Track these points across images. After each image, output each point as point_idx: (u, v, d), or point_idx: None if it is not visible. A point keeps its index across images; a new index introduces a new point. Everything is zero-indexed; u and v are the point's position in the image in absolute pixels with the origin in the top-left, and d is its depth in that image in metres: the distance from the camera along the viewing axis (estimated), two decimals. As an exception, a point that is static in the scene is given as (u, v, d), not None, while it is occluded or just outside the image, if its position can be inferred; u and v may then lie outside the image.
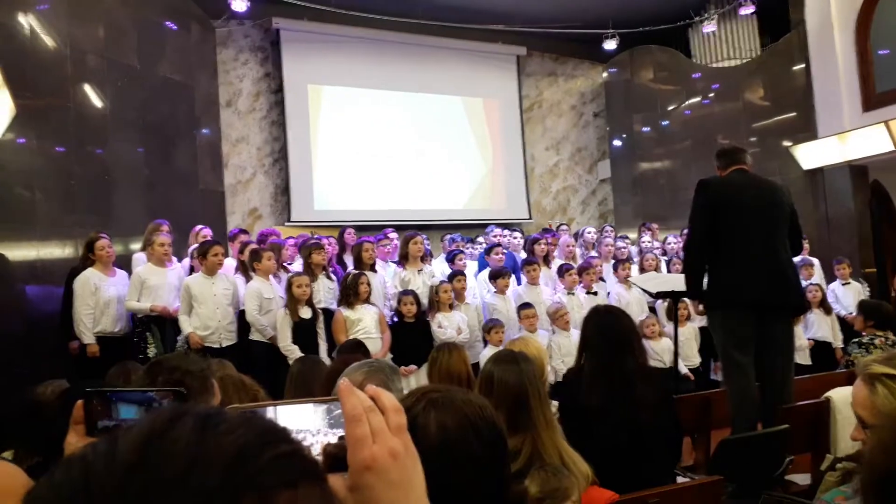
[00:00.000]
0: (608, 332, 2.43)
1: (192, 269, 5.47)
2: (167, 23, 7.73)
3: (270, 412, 0.71)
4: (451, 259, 6.41)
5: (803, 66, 9.29)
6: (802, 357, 6.19)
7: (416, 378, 5.18)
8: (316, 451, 0.69)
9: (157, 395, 1.00)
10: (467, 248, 7.03)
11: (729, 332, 3.51)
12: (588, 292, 6.04)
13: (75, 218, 6.25)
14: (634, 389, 2.27)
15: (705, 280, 3.66)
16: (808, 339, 6.33)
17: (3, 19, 5.71)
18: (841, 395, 3.34)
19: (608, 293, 6.29)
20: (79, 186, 6.39)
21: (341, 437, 0.67)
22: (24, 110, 5.55)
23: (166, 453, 0.44)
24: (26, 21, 5.97)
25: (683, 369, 5.39)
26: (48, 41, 6.23)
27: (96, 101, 6.74)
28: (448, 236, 7.50)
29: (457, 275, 5.79)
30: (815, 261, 7.09)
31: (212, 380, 1.69)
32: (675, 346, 4.71)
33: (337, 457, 0.66)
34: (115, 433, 0.46)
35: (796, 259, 6.94)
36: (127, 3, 7.16)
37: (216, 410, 0.48)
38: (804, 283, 6.58)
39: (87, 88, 6.65)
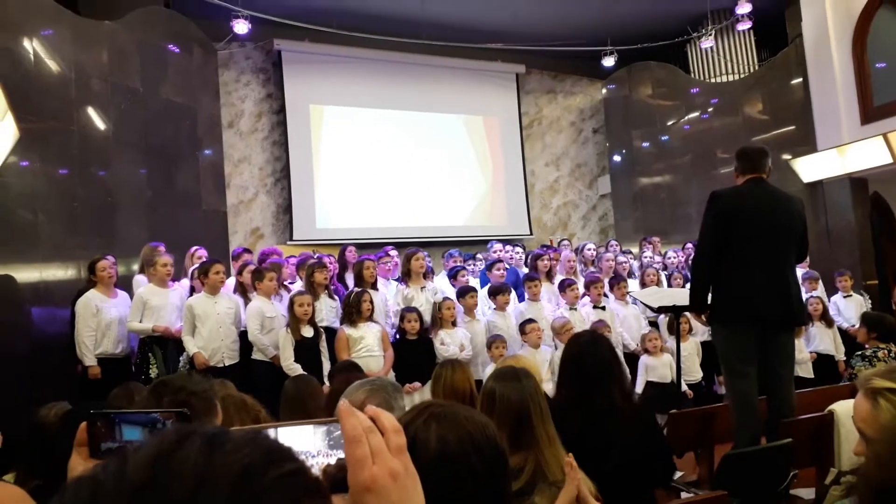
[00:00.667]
0: (585, 361, 2.37)
1: (192, 290, 5.48)
2: (170, 46, 7.82)
3: (271, 433, 0.72)
4: (452, 276, 6.42)
5: (801, 79, 9.35)
6: (805, 370, 6.16)
7: (420, 395, 5.16)
8: (315, 472, 0.70)
9: (160, 416, 1.01)
10: (468, 265, 7.04)
11: (733, 345, 3.50)
12: (595, 307, 6.04)
13: (78, 240, 6.28)
14: (610, 420, 2.23)
15: (711, 292, 3.66)
16: (811, 353, 6.31)
17: (8, 44, 5.79)
18: (845, 409, 3.33)
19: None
20: (82, 208, 6.43)
21: (341, 459, 0.68)
22: (27, 134, 5.60)
23: (175, 473, 0.45)
24: (31, 46, 6.04)
25: (683, 386, 5.36)
26: (52, 66, 6.30)
27: (99, 124, 6.80)
28: (447, 253, 7.52)
29: (469, 291, 5.78)
30: (816, 274, 7.08)
31: (215, 400, 1.70)
32: (678, 362, 4.70)
33: (337, 478, 0.66)
34: (123, 453, 0.47)
35: (801, 272, 6.99)
36: (130, 28, 7.25)
37: (222, 430, 0.50)
38: (806, 296, 6.59)
39: (91, 111, 6.72)
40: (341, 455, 0.67)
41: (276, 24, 8.62)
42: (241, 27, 7.98)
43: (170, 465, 0.46)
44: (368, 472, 0.65)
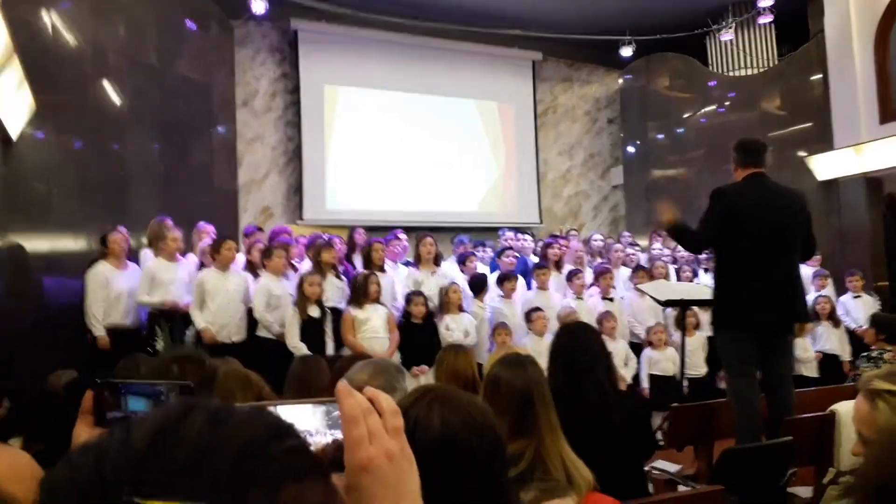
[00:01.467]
0: (571, 352, 2.37)
1: (201, 265, 5.52)
2: (187, 22, 7.81)
3: (270, 410, 0.74)
4: (461, 261, 6.43)
5: (821, 76, 9.24)
6: (809, 369, 6.16)
7: (426, 379, 5.20)
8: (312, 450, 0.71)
9: (164, 388, 1.03)
10: (478, 251, 7.05)
11: (734, 347, 3.49)
12: (604, 297, 6.04)
13: (90, 212, 6.33)
14: (595, 411, 2.23)
15: (713, 295, 3.64)
16: (816, 352, 6.30)
17: (26, 17, 5.80)
18: (847, 409, 3.32)
19: (622, 298, 6.30)
20: (95, 181, 6.47)
21: (338, 438, 0.69)
22: (43, 106, 5.62)
23: (178, 443, 0.46)
24: (49, 19, 6.06)
25: (684, 381, 5.35)
26: (70, 39, 6.32)
27: (115, 98, 6.82)
28: (456, 238, 7.52)
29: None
30: (828, 273, 7.05)
31: (216, 372, 1.73)
32: (682, 356, 4.71)
33: (334, 457, 0.68)
34: (129, 423, 0.49)
35: (810, 269, 6.95)
36: (148, 3, 7.25)
37: (227, 405, 0.51)
38: (815, 295, 6.57)
39: (107, 85, 6.74)
40: (339, 435, 0.69)
41: (293, 3, 8.59)
42: (258, 6, 7.97)
43: (174, 435, 0.47)
44: (365, 453, 0.65)
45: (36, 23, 5.93)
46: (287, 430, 0.52)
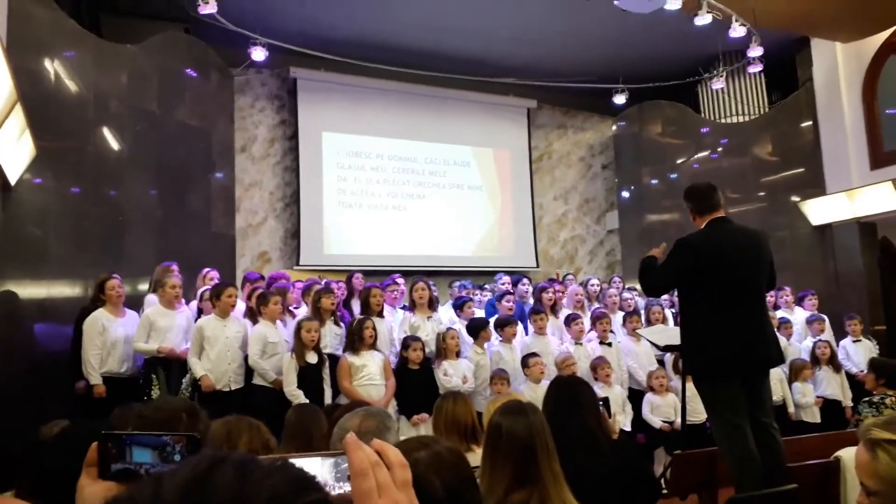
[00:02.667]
0: (564, 406, 2.36)
1: (199, 312, 5.49)
2: (188, 71, 7.95)
3: None
4: (458, 306, 6.41)
5: (811, 122, 9.41)
6: (810, 415, 6.10)
7: (425, 427, 5.13)
8: None
9: (171, 440, 1.02)
10: (475, 295, 7.04)
11: (721, 398, 3.38)
12: (601, 342, 6.01)
13: (87, 258, 6.33)
14: (586, 449, 2.21)
15: (686, 347, 3.61)
16: (817, 397, 6.24)
17: (31, 64, 5.90)
18: (851, 455, 3.29)
19: (619, 342, 6.26)
20: (92, 227, 6.49)
21: (348, 491, 0.69)
22: (43, 152, 5.68)
23: (208, 497, 0.47)
24: (52, 67, 6.16)
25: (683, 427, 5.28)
26: (72, 86, 6.41)
27: (114, 145, 6.89)
28: (457, 283, 7.52)
29: (485, 324, 5.80)
30: (825, 317, 7.04)
31: (193, 423, 1.70)
32: (683, 401, 4.66)
33: None
34: (158, 476, 0.49)
35: (805, 314, 6.95)
36: (150, 52, 7.39)
37: (251, 457, 0.51)
38: (814, 340, 6.55)
39: (107, 132, 6.82)
40: (348, 488, 0.68)
41: (292, 52, 8.76)
42: (258, 54, 8.11)
43: (204, 488, 0.48)
44: None
45: (39, 71, 6.03)
46: (310, 484, 0.53)
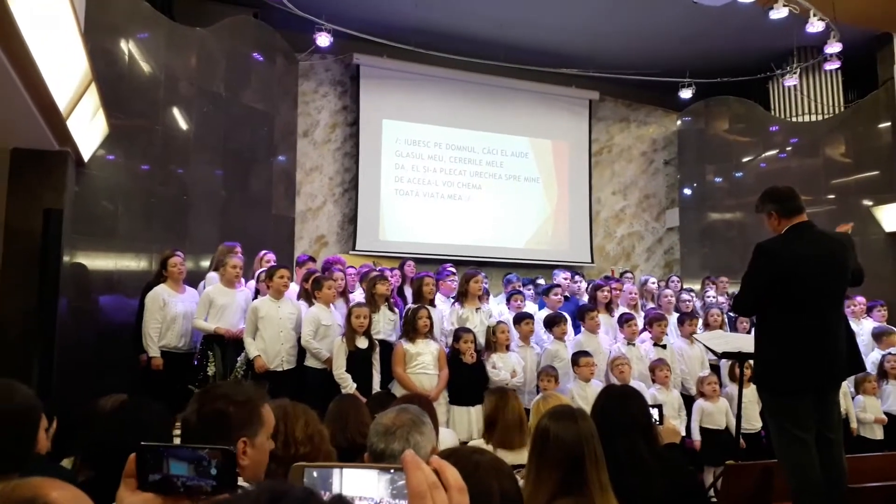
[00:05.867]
0: (611, 413, 2.31)
1: (256, 293, 5.61)
2: (254, 55, 8.11)
3: (336, 474, 0.73)
4: (508, 299, 6.38)
5: (889, 124, 8.97)
6: (870, 431, 5.85)
7: (469, 416, 5.14)
8: None
9: (207, 454, 1.05)
10: (527, 290, 6.98)
11: (788, 412, 3.24)
12: (656, 344, 5.88)
13: (152, 234, 6.55)
14: (634, 472, 2.14)
15: (759, 354, 3.46)
16: (884, 413, 5.96)
17: (107, 45, 6.11)
18: (917, 479, 3.14)
19: (672, 344, 6.12)
20: (159, 204, 6.70)
21: None
22: (115, 130, 5.89)
23: None
24: (127, 48, 6.37)
25: (740, 436, 5.11)
26: (145, 67, 6.62)
27: (182, 125, 7.09)
28: (506, 277, 7.48)
29: (524, 317, 5.74)
30: (894, 329, 6.71)
31: (260, 409, 1.72)
32: (739, 410, 4.52)
33: None
34: None
35: (873, 324, 6.64)
36: (219, 35, 7.56)
37: (310, 493, 0.50)
38: (882, 353, 6.26)
39: (176, 112, 7.02)
40: None
41: (356, 38, 8.82)
42: (323, 40, 8.20)
43: None
44: None
45: (115, 51, 6.24)
46: None
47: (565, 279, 7.10)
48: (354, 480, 0.73)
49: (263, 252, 6.20)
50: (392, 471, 0.73)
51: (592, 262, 10.51)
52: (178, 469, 1.04)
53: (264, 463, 1.65)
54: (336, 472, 0.73)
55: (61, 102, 4.27)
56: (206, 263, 6.50)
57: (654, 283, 7.35)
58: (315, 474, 0.73)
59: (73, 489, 1.05)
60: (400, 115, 9.72)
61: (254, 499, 0.49)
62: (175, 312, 5.33)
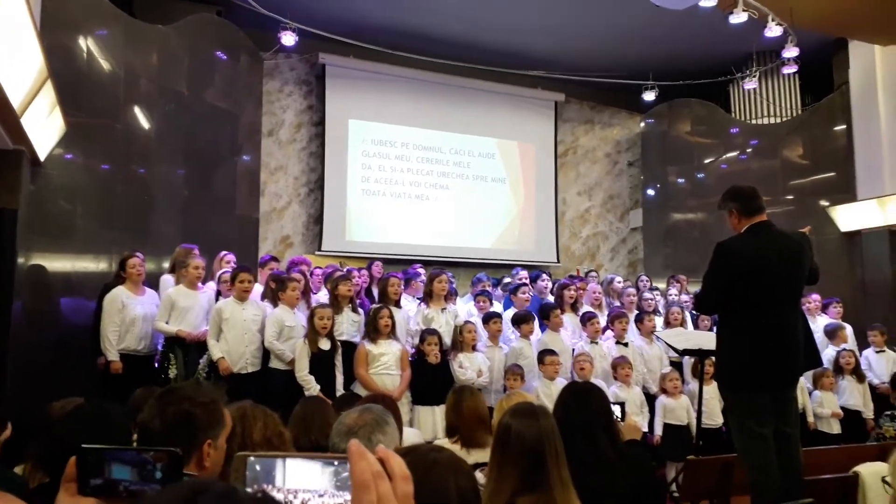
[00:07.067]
0: (572, 409, 2.33)
1: (218, 294, 5.53)
2: (218, 53, 8.00)
3: (280, 464, 0.72)
4: (476, 299, 6.39)
5: (844, 127, 9.21)
6: (827, 425, 6.00)
7: (433, 416, 5.14)
8: None
9: (151, 457, 1.02)
10: (495, 291, 7.01)
11: (747, 408, 3.31)
12: (618, 342, 5.95)
13: (113, 234, 6.41)
14: (596, 468, 2.17)
15: (720, 352, 3.53)
16: (840, 407, 6.13)
17: (64, 41, 5.97)
18: (871, 471, 3.23)
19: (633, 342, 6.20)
20: (119, 204, 6.56)
21: (346, 501, 0.68)
22: (74, 128, 5.75)
23: None
24: (85, 44, 6.23)
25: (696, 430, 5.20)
26: (104, 64, 6.48)
27: (144, 124, 6.96)
28: (476, 276, 7.51)
29: (493, 317, 5.76)
30: (848, 326, 6.91)
31: (222, 411, 1.70)
32: (699, 407, 4.61)
33: None
34: None
35: (827, 321, 6.82)
36: (182, 33, 7.43)
37: (232, 490, 0.50)
38: (839, 348, 6.43)
39: (137, 111, 6.88)
40: (347, 497, 0.67)
41: (322, 37, 8.76)
42: (288, 39, 8.12)
43: None
44: None
45: (72, 48, 6.09)
46: None
47: (522, 279, 7.13)
48: (298, 472, 0.72)
49: (223, 253, 6.11)
50: (336, 462, 0.72)
51: (558, 261, 10.60)
52: (121, 473, 1.00)
53: (221, 464, 1.63)
54: (279, 463, 0.72)
55: (15, 100, 4.16)
56: (168, 265, 6.39)
57: (619, 282, 7.43)
58: (258, 467, 0.71)
59: (13, 499, 1.02)
60: (366, 115, 9.68)
61: (174, 494, 0.48)
62: (134, 314, 5.23)
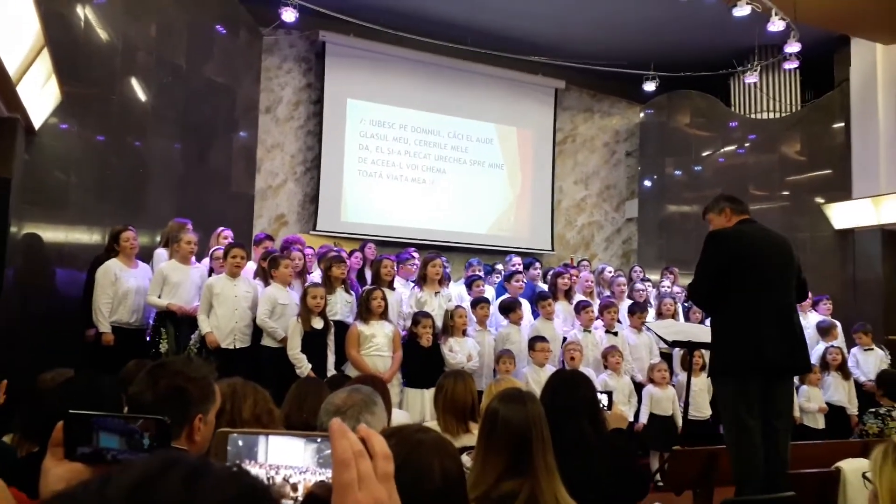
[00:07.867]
0: (559, 401, 2.35)
1: (211, 270, 5.53)
2: (217, 26, 7.91)
3: (262, 441, 0.72)
4: (468, 284, 6.41)
5: (843, 124, 9.23)
6: (812, 420, 6.07)
7: (422, 399, 5.16)
8: (301, 489, 0.70)
9: (139, 427, 1.01)
10: (490, 278, 7.03)
11: (739, 395, 3.35)
12: (608, 331, 5.99)
13: (106, 207, 6.37)
14: (581, 453, 2.20)
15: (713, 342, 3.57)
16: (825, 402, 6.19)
17: (61, 10, 5.89)
18: (853, 467, 3.26)
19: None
20: (113, 176, 6.52)
21: (328, 479, 0.68)
22: (69, 98, 5.69)
23: (153, 502, 0.45)
24: (83, 13, 6.15)
25: (682, 422, 5.24)
26: (102, 34, 6.40)
27: (140, 96, 6.89)
28: (468, 261, 7.52)
29: (480, 302, 5.78)
30: (838, 323, 6.96)
31: (214, 386, 1.71)
32: (687, 398, 4.64)
33: (320, 499, 0.67)
34: (106, 476, 0.48)
35: (817, 317, 6.87)
36: (181, 5, 7.35)
37: (204, 463, 0.50)
38: (825, 346, 6.49)
39: (134, 83, 6.82)
40: (329, 474, 0.67)
41: (323, 15, 8.67)
42: (288, 15, 8.04)
43: (149, 495, 0.46)
44: (353, 498, 0.65)
45: (69, 16, 6.02)
46: (262, 494, 0.51)
47: (515, 266, 7.15)
48: (280, 449, 0.72)
49: (221, 229, 6.09)
50: (319, 439, 0.72)
51: (552, 249, 10.61)
52: (109, 442, 1.00)
53: (209, 439, 1.63)
54: (262, 440, 0.72)
55: (11, 67, 4.11)
56: (160, 239, 6.36)
57: (610, 271, 7.46)
58: (240, 442, 0.72)
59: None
60: (365, 95, 9.62)
61: (145, 466, 0.48)
62: (127, 287, 5.22)
